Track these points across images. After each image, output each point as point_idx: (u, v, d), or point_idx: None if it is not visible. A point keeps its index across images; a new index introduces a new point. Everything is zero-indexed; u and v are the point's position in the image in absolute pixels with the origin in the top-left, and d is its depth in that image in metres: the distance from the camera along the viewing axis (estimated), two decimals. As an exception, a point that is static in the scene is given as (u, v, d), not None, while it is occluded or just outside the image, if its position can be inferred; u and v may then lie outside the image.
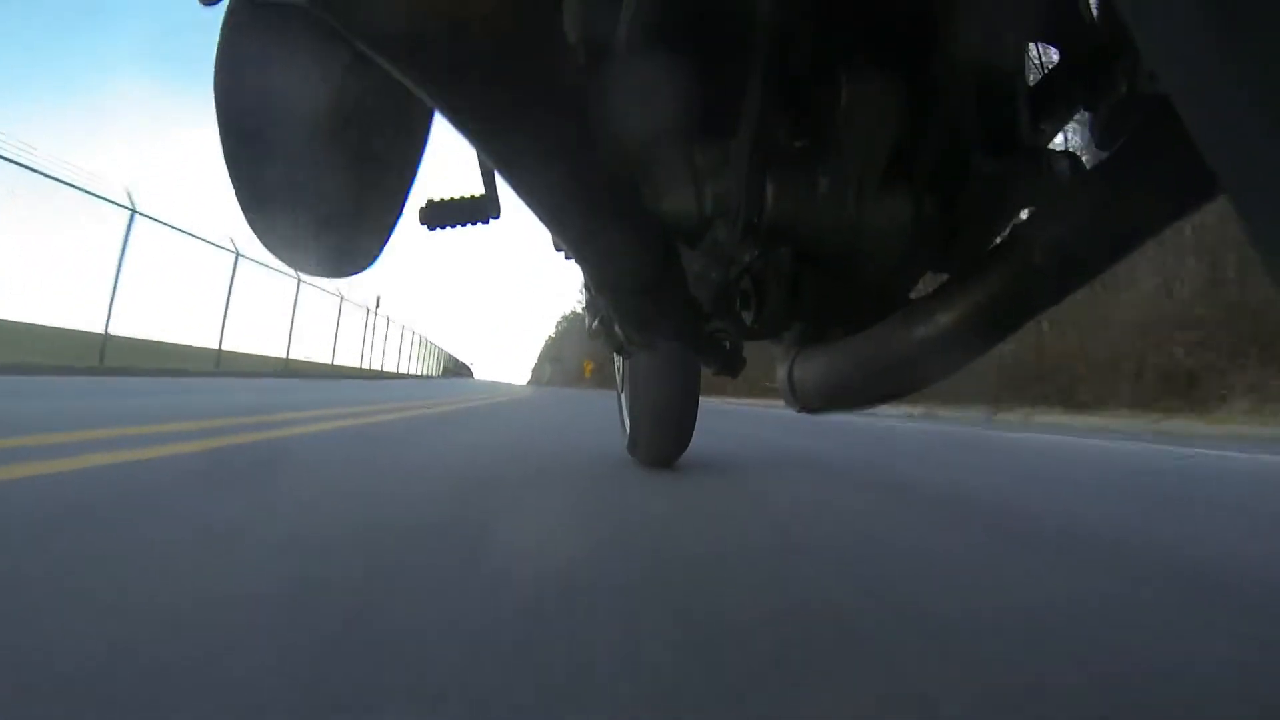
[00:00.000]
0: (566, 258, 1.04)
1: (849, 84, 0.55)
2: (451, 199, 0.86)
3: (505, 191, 0.87)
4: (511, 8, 0.32)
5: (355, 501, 1.28)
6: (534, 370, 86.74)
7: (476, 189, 0.87)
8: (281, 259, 0.83)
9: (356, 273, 0.88)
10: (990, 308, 0.55)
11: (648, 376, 1.70)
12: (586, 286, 1.28)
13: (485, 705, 0.48)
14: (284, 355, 14.32)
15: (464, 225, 0.87)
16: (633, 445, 1.91)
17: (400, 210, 0.82)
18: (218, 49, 0.67)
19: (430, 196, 0.86)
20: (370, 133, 0.69)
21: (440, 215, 0.85)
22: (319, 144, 0.68)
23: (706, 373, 1.70)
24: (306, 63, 0.63)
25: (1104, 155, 0.55)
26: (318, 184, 0.71)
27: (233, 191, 0.74)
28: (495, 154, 0.45)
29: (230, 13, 0.66)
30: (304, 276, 13.91)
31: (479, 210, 0.86)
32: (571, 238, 0.62)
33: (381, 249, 0.85)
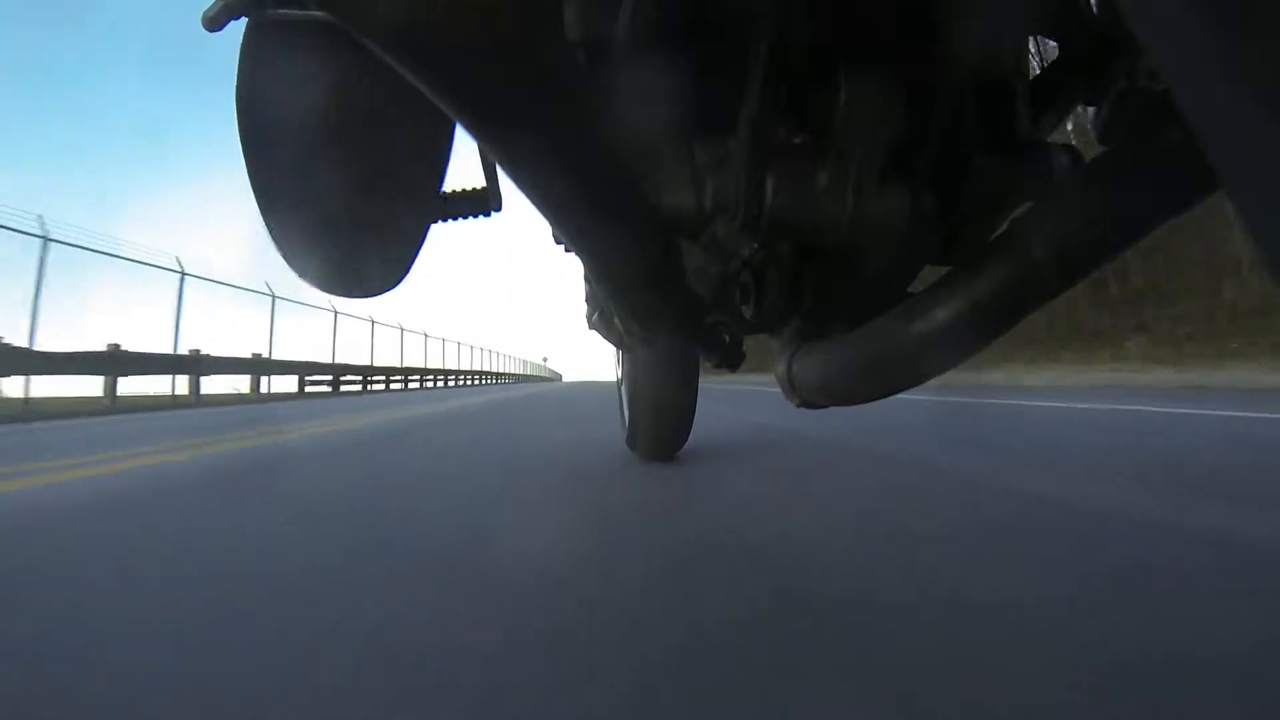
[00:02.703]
0: (567, 250, 1.04)
1: (848, 81, 0.54)
2: (453, 191, 0.87)
3: (506, 185, 0.87)
4: (513, 5, 0.32)
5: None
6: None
7: (478, 182, 0.87)
8: (301, 274, 0.81)
9: (377, 293, 0.86)
10: (990, 301, 0.55)
11: (647, 372, 1.70)
12: (586, 279, 1.28)
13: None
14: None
15: (466, 218, 0.87)
16: (632, 440, 1.91)
17: (423, 234, 0.83)
18: (239, 64, 0.67)
19: None
20: (384, 147, 0.70)
21: (442, 208, 0.85)
22: (334, 151, 0.68)
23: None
24: (323, 72, 0.63)
25: (1105, 148, 0.55)
26: (333, 192, 0.71)
27: (258, 209, 0.73)
28: (498, 149, 0.45)
29: (249, 31, 0.66)
30: (339, 307, 14.34)
31: (481, 203, 0.86)
32: (572, 231, 0.62)
33: (404, 272, 0.85)
